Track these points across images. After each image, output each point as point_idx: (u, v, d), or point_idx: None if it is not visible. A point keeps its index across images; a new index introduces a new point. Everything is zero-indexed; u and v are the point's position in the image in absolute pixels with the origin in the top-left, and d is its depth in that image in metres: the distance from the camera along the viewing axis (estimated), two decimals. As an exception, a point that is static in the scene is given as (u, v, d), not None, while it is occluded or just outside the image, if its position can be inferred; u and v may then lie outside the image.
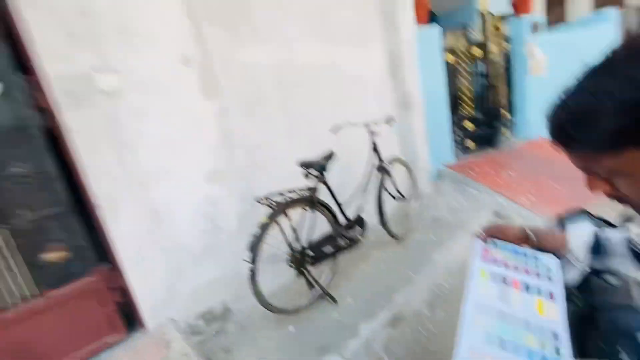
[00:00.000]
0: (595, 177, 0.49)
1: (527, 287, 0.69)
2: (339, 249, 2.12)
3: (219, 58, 1.99)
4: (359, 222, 2.26)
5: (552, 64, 4.25)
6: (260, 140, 2.20)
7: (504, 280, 0.71)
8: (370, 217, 2.43)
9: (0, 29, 1.40)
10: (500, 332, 0.61)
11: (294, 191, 1.90)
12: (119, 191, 1.66)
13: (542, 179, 3.16)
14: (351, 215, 2.25)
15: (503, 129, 4.33)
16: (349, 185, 2.42)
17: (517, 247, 0.77)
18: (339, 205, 2.17)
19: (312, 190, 1.94)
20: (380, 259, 2.45)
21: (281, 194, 1.85)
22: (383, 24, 3.04)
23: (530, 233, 0.77)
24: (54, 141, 1.53)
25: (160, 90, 1.76)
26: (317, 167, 1.95)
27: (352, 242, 2.20)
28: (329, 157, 2.02)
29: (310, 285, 2.03)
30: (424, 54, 3.42)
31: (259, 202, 1.81)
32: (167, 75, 1.79)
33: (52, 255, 1.55)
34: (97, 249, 1.67)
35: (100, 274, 1.67)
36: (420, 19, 3.51)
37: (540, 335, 0.60)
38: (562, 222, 0.88)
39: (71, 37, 1.51)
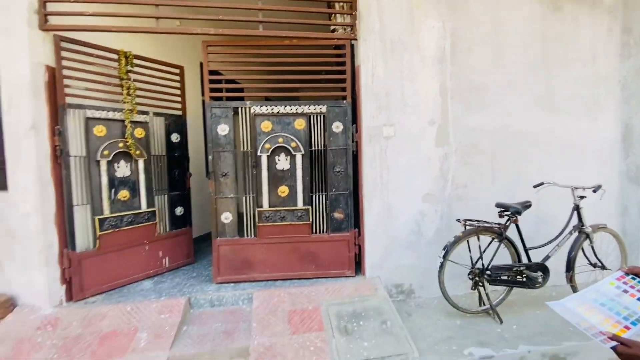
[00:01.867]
0: None
1: None
2: (515, 282, 2.53)
3: (452, 121, 2.93)
4: (542, 268, 2.55)
5: None
6: (467, 181, 2.96)
7: (625, 291, 1.16)
8: (559, 274, 2.62)
9: (351, 102, 2.93)
10: (605, 301, 1.10)
11: (487, 222, 2.52)
12: (375, 192, 2.88)
13: None
14: (537, 260, 2.58)
15: None
16: (543, 237, 2.71)
17: None
18: (525, 247, 2.57)
19: (503, 226, 2.50)
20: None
21: (477, 220, 2.53)
22: (621, 97, 3.07)
23: None
24: (355, 159, 2.94)
25: (412, 138, 2.90)
26: (512, 210, 2.48)
27: (531, 282, 2.53)
28: (526, 205, 2.51)
29: (481, 299, 2.56)
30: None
31: (458, 221, 2.57)
32: (419, 129, 2.90)
33: (337, 215, 2.96)
34: (355, 219, 2.96)
35: (352, 233, 2.96)
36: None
37: (633, 313, 1.05)
38: None
39: (378, 107, 2.87)
